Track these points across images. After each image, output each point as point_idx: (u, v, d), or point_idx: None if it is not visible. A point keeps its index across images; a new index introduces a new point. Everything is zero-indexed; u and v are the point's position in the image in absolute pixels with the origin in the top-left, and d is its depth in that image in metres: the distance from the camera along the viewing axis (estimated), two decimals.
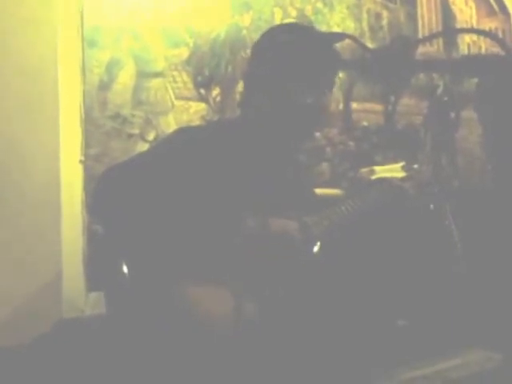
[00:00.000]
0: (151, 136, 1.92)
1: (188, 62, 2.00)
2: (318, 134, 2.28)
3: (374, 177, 1.66)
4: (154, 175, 1.24)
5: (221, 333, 1.17)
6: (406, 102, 2.50)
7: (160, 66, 1.95)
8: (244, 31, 2.14)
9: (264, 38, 1.41)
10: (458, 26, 2.75)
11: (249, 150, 1.36)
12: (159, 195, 1.22)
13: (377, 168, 1.68)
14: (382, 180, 1.55)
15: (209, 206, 1.24)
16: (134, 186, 1.22)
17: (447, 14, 2.74)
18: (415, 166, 1.56)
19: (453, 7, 2.76)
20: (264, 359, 1.18)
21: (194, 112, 2.02)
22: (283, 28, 1.48)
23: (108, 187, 1.25)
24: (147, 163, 1.28)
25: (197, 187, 1.25)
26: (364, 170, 1.73)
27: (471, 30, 2.65)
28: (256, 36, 1.44)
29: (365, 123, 2.40)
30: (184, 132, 1.42)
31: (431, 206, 1.56)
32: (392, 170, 1.58)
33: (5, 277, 1.65)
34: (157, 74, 1.95)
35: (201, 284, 1.20)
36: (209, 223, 1.23)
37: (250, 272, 1.23)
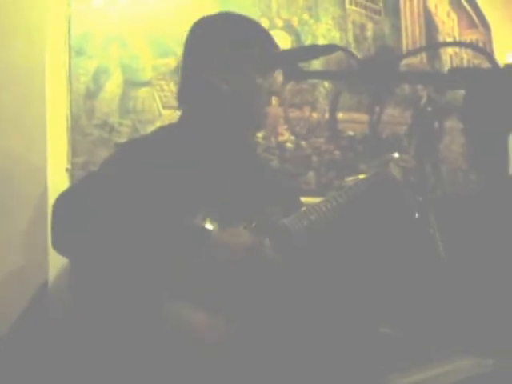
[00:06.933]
0: None
1: (176, 71, 2.01)
2: (303, 143, 2.30)
3: None
4: (103, 196, 1.21)
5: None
6: (391, 111, 2.54)
7: (148, 75, 1.96)
8: None
9: (193, 32, 1.44)
10: (441, 37, 2.81)
11: (195, 150, 1.32)
12: (113, 214, 1.19)
13: (362, 177, 1.69)
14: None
15: (163, 218, 1.21)
16: (89, 209, 1.19)
17: (430, 26, 2.79)
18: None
19: (435, 19, 2.82)
20: (253, 372, 1.18)
21: None
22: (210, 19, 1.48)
23: (63, 217, 1.23)
24: (95, 186, 1.25)
25: (148, 199, 1.22)
26: (349, 178, 1.75)
27: (457, 44, 2.70)
28: None
29: (350, 133, 2.43)
30: (125, 146, 1.41)
31: (416, 214, 1.57)
32: None
33: None
34: (144, 83, 1.95)
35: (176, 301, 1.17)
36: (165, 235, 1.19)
37: (224, 287, 1.20)
